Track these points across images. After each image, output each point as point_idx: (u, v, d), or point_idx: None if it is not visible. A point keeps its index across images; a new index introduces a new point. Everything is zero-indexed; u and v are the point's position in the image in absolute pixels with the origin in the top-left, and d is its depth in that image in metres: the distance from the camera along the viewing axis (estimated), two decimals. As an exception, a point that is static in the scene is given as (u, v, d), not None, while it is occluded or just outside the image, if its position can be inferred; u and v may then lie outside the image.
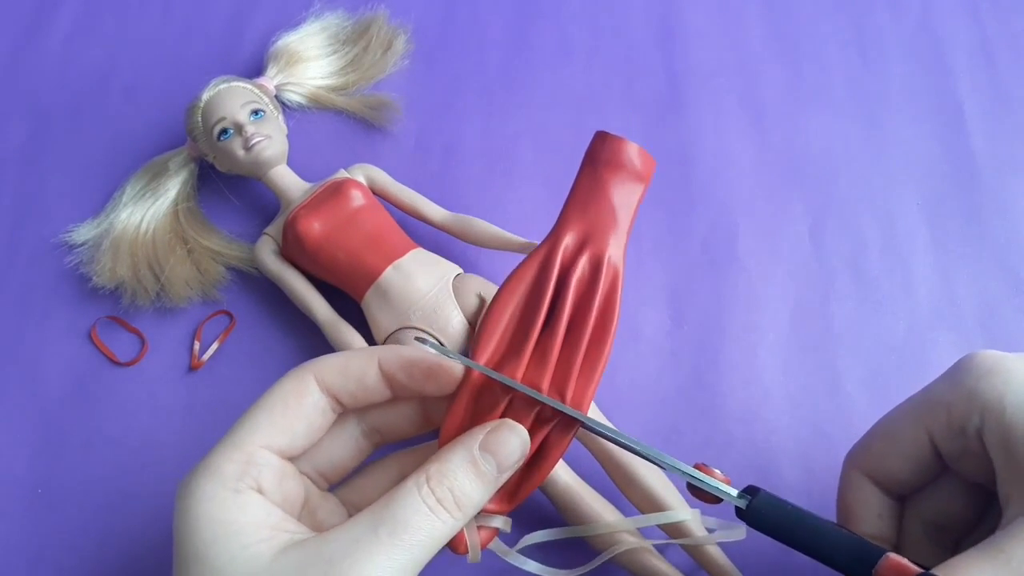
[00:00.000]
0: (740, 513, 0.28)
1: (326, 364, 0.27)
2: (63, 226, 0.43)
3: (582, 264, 0.29)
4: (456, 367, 0.28)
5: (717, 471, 0.28)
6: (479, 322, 0.30)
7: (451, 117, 0.47)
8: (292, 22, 0.48)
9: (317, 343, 0.39)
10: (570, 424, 0.28)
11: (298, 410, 0.27)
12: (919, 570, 0.24)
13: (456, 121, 0.47)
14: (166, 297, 0.41)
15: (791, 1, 0.50)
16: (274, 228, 0.41)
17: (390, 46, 0.48)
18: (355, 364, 0.27)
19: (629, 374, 0.40)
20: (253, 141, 0.40)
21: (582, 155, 0.31)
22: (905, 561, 0.24)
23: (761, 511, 0.27)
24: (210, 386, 0.40)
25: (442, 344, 0.36)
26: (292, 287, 0.40)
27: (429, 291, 0.38)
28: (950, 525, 0.27)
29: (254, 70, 0.47)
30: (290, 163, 0.42)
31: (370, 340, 0.38)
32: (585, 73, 0.48)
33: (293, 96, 0.46)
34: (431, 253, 0.39)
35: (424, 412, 0.29)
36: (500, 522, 0.28)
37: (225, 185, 0.44)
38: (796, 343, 0.41)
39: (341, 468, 0.29)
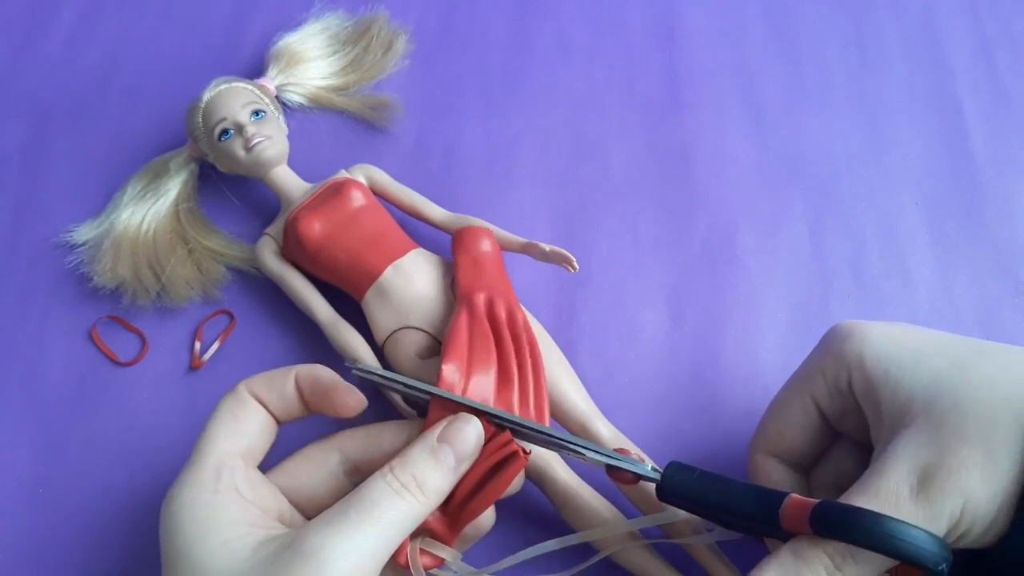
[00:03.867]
0: (658, 490, 0.30)
1: (255, 378, 0.31)
2: (64, 226, 0.43)
3: (500, 310, 0.36)
4: (352, 398, 0.30)
5: (633, 451, 0.31)
6: (442, 351, 0.34)
7: (451, 117, 0.47)
8: (292, 23, 0.48)
9: (317, 343, 0.39)
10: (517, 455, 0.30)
11: (245, 416, 0.30)
12: (816, 501, 0.27)
13: (456, 121, 0.47)
14: (167, 297, 0.41)
15: (791, 1, 0.50)
16: (275, 228, 0.41)
17: (390, 46, 0.48)
18: (277, 378, 0.30)
19: (629, 374, 0.40)
20: (254, 142, 0.40)
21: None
22: (804, 498, 0.28)
23: (673, 479, 0.30)
24: (211, 386, 0.40)
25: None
26: (293, 287, 0.40)
27: (429, 291, 0.38)
28: (848, 485, 0.29)
29: (255, 71, 0.47)
30: (291, 163, 0.42)
31: (370, 340, 0.38)
32: (585, 73, 0.48)
33: (294, 96, 0.46)
34: (431, 253, 0.39)
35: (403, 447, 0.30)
36: (448, 555, 0.30)
37: (226, 185, 0.44)
38: (796, 343, 0.41)
39: (319, 502, 0.30)
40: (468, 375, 0.33)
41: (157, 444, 0.39)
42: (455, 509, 0.30)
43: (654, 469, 0.30)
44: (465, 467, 0.29)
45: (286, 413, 0.31)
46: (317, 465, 0.31)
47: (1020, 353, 0.29)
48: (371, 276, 0.38)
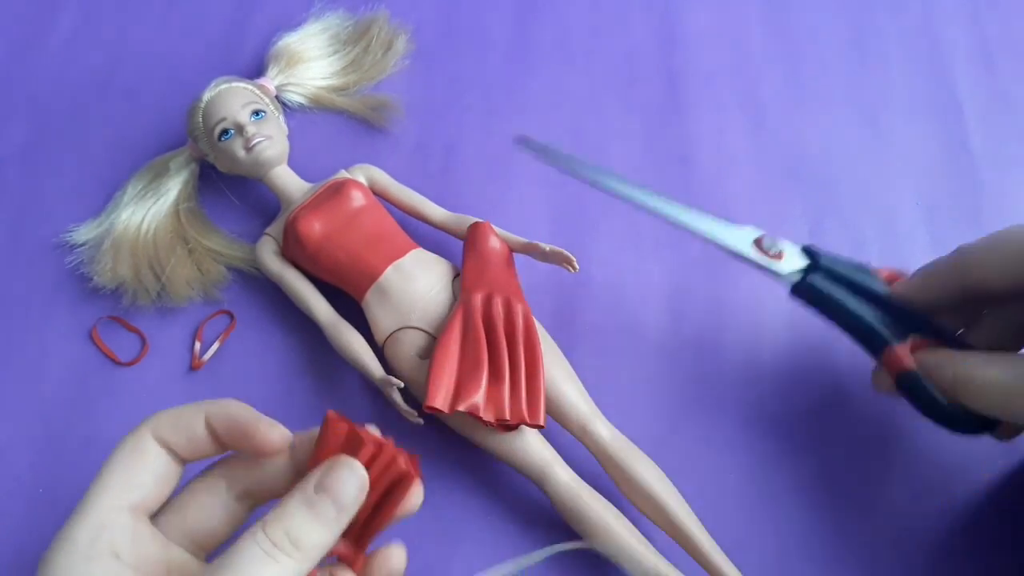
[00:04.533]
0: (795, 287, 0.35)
1: (160, 419, 0.28)
2: (64, 226, 0.43)
3: (497, 308, 0.36)
4: (275, 433, 0.27)
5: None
6: (429, 365, 0.35)
7: (451, 117, 0.47)
8: (293, 23, 0.48)
9: (317, 343, 0.39)
10: (410, 478, 0.27)
11: (142, 464, 0.27)
12: (907, 368, 0.33)
13: (456, 121, 0.47)
14: (167, 297, 0.41)
15: (791, 1, 0.50)
16: (275, 228, 0.41)
17: (391, 46, 0.48)
18: (185, 418, 0.28)
19: (629, 373, 0.40)
20: (254, 142, 0.40)
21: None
22: (900, 353, 0.33)
23: (812, 283, 0.35)
24: (211, 386, 0.40)
25: None
26: (293, 287, 0.40)
27: (429, 291, 0.38)
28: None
29: (255, 71, 0.47)
30: (291, 163, 0.42)
31: (370, 340, 0.38)
32: (585, 73, 0.48)
33: (294, 96, 0.46)
34: (431, 253, 0.39)
35: (295, 467, 0.28)
36: None
37: (226, 185, 0.44)
38: (796, 343, 0.41)
39: (216, 535, 0.28)
40: (457, 380, 0.34)
41: (157, 444, 0.39)
42: (356, 532, 0.27)
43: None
44: (347, 517, 0.26)
45: (195, 454, 0.28)
46: (206, 497, 0.28)
47: None
48: (371, 276, 0.38)
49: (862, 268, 0.35)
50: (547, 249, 0.38)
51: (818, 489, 0.37)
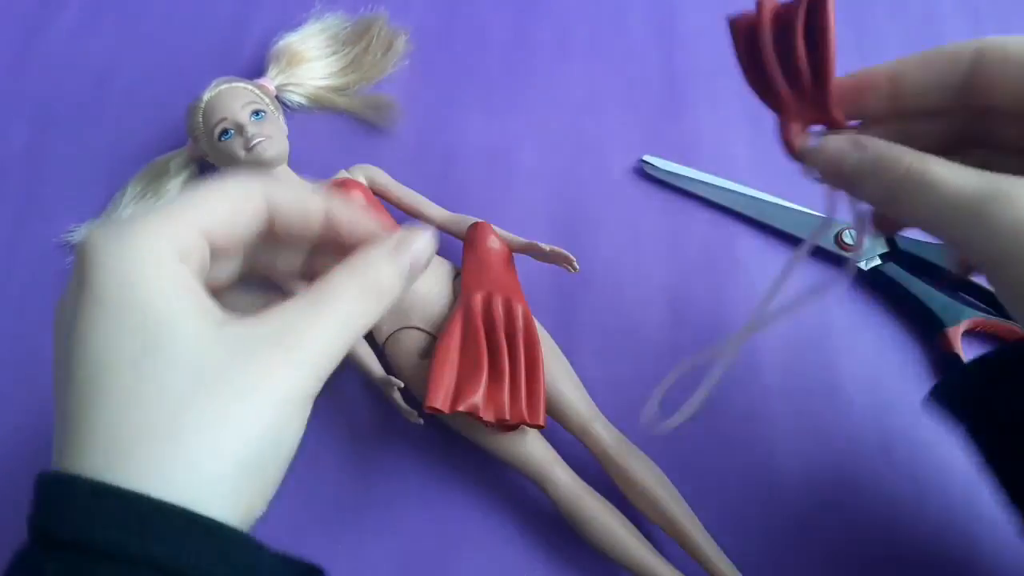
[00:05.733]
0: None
1: (281, 186, 0.27)
2: (65, 226, 0.44)
3: (498, 308, 0.36)
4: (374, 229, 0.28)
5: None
6: (429, 365, 0.35)
7: (451, 117, 0.47)
8: (293, 23, 0.48)
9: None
10: None
11: (242, 214, 0.26)
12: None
13: (456, 121, 0.47)
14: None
15: (791, 1, 0.50)
16: (275, 228, 0.41)
17: (390, 47, 0.48)
18: (307, 197, 0.27)
19: (630, 374, 0.40)
20: (254, 142, 0.40)
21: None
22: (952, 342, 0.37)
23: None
24: (211, 386, 0.40)
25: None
26: (293, 287, 0.40)
27: (429, 291, 0.38)
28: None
29: (255, 71, 0.47)
30: (291, 164, 0.42)
31: (370, 340, 0.38)
32: (585, 73, 0.48)
33: (294, 96, 0.46)
34: (431, 253, 0.39)
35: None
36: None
37: (226, 185, 0.44)
38: (796, 343, 0.41)
39: (224, 249, 0.27)
40: (457, 380, 0.34)
41: (157, 444, 0.39)
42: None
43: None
44: (413, 280, 0.28)
45: (296, 239, 0.28)
46: (242, 215, 0.26)
47: None
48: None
49: (942, 248, 0.40)
50: (547, 249, 0.38)
51: (818, 489, 0.37)
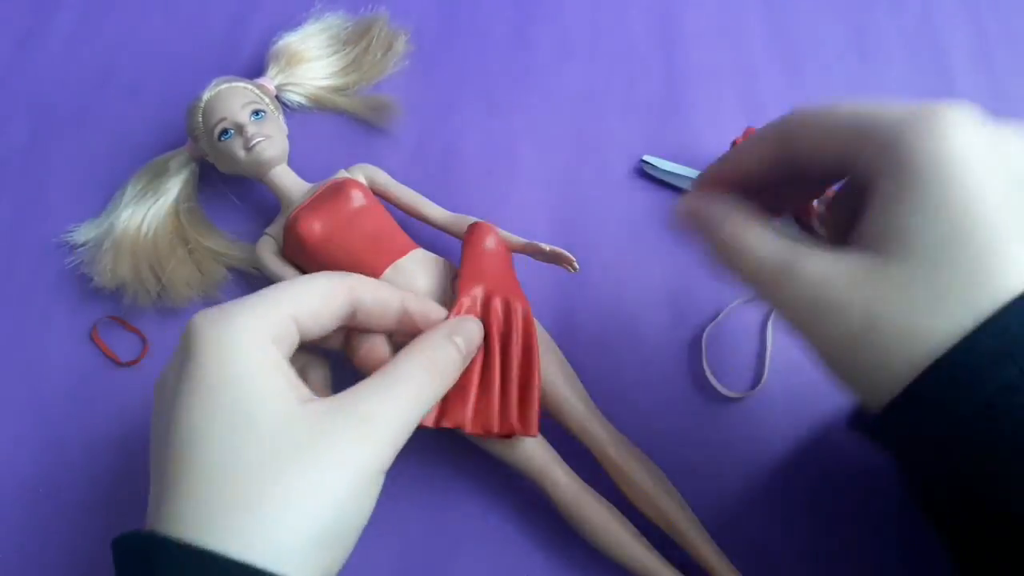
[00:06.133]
0: None
1: (365, 284, 0.31)
2: (64, 226, 0.43)
3: (496, 309, 0.35)
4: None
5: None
6: None
7: (451, 117, 0.47)
8: (293, 22, 0.48)
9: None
10: None
11: (330, 307, 0.30)
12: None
13: (456, 121, 0.47)
14: (167, 297, 0.41)
15: (791, 1, 0.50)
16: (275, 228, 0.41)
17: (391, 47, 0.48)
18: (386, 294, 0.32)
19: (630, 374, 0.40)
20: (254, 141, 0.40)
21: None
22: None
23: None
24: (211, 386, 0.40)
25: None
26: (292, 287, 0.40)
27: (429, 291, 0.38)
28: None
29: (255, 70, 0.47)
30: (290, 164, 0.42)
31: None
32: (585, 73, 0.48)
33: (293, 96, 0.46)
34: (431, 253, 0.39)
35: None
36: None
37: (226, 185, 0.44)
38: (796, 342, 0.40)
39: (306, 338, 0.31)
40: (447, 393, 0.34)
41: (157, 444, 0.39)
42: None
43: None
44: (469, 358, 0.33)
45: (375, 327, 0.32)
46: (329, 306, 0.30)
47: None
48: (371, 276, 0.38)
49: None
50: (547, 249, 0.38)
51: (819, 488, 0.37)
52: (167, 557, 0.23)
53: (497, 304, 0.36)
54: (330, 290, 0.30)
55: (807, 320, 0.26)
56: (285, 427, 0.25)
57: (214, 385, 0.25)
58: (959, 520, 0.28)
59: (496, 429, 0.34)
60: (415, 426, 0.28)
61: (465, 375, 0.34)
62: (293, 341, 0.29)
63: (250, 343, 0.26)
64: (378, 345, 0.33)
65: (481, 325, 0.34)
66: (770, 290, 0.27)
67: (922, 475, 0.28)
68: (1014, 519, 0.24)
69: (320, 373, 0.33)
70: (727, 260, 0.29)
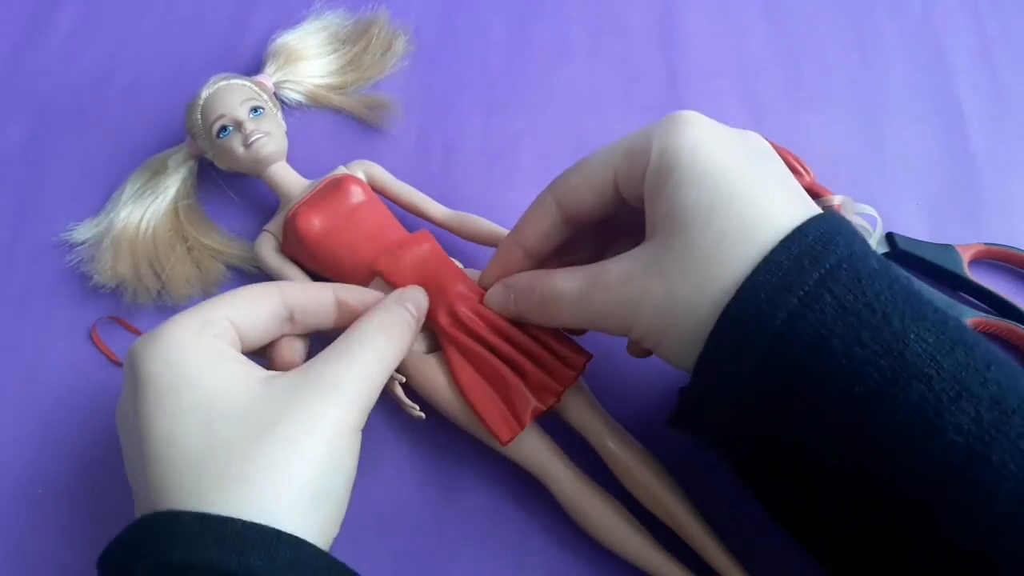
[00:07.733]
0: None
1: (293, 284, 0.33)
2: (63, 225, 0.43)
3: (467, 314, 0.35)
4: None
5: None
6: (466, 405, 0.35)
7: (451, 117, 0.47)
8: (292, 20, 0.48)
9: (317, 340, 0.39)
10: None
11: (263, 309, 0.31)
12: None
13: (456, 121, 0.47)
14: (167, 296, 0.41)
15: (791, 1, 0.51)
16: (274, 225, 0.41)
17: (390, 47, 0.48)
18: (317, 290, 0.33)
19: (631, 374, 0.40)
20: (252, 138, 0.40)
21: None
22: None
23: None
24: (210, 385, 0.40)
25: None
26: (292, 285, 0.40)
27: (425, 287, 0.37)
28: None
29: (254, 69, 0.47)
30: (289, 162, 0.42)
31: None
32: (585, 73, 0.48)
33: (292, 94, 0.46)
34: (431, 250, 0.39)
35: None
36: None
37: (225, 182, 0.44)
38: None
39: (256, 345, 0.32)
40: (502, 399, 0.34)
41: (156, 443, 0.39)
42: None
43: None
44: (422, 320, 0.34)
45: (311, 327, 0.33)
46: (261, 309, 0.31)
47: None
48: (371, 272, 0.38)
49: (943, 248, 0.40)
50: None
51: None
52: (184, 528, 0.24)
53: (464, 310, 0.35)
54: (259, 294, 0.31)
55: (627, 315, 0.29)
56: (252, 407, 0.27)
57: (171, 393, 0.27)
58: (769, 478, 0.30)
59: (561, 388, 0.34)
60: (381, 386, 0.30)
61: (500, 376, 0.34)
62: (234, 336, 0.30)
63: (192, 344, 0.28)
64: (284, 344, 0.33)
65: (424, 291, 0.35)
66: (588, 310, 0.30)
67: (737, 443, 0.29)
68: (806, 453, 0.26)
69: (298, 346, 0.34)
70: (556, 314, 0.32)
